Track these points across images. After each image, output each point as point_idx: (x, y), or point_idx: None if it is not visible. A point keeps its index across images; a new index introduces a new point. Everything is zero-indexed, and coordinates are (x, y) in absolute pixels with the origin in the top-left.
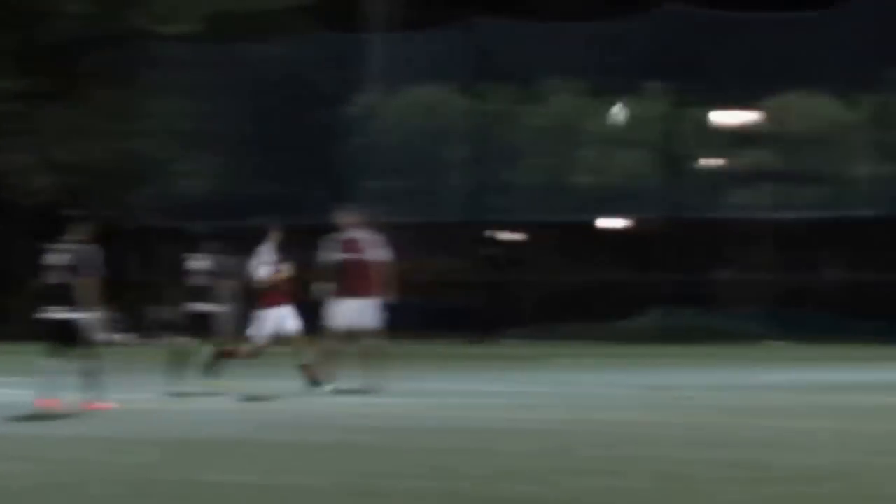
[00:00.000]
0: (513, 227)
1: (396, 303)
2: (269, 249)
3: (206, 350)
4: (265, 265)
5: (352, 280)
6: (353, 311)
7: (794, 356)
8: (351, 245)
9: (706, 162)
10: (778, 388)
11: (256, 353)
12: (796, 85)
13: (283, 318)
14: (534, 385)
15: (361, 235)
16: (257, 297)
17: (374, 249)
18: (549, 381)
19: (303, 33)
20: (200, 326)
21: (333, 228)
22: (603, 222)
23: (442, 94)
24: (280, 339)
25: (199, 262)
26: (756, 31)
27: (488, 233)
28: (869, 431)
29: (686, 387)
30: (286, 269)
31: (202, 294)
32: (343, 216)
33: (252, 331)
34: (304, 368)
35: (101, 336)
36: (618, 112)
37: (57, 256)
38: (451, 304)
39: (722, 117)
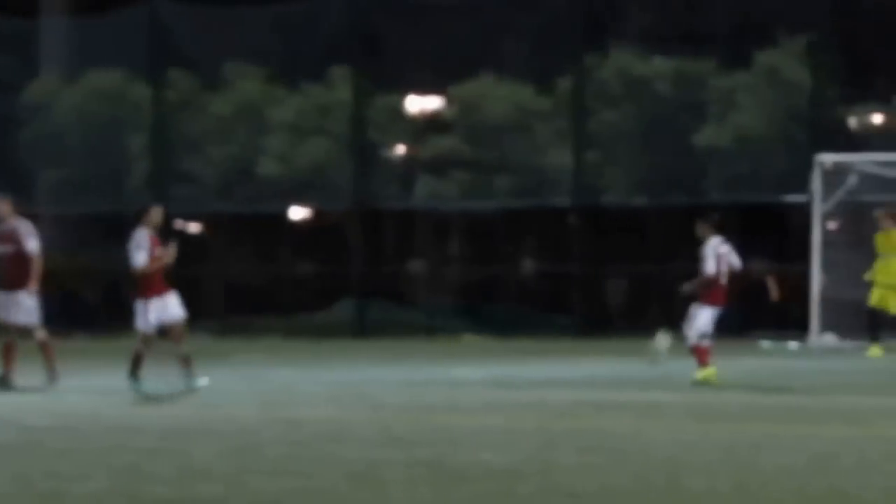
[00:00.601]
0: (196, 219)
1: (65, 297)
2: (145, 233)
3: None
4: (142, 250)
5: (5, 272)
6: (6, 305)
7: (487, 351)
8: (5, 236)
9: (396, 150)
10: (472, 384)
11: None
12: (487, 70)
13: (166, 306)
14: (221, 382)
15: (16, 225)
16: (137, 285)
17: (28, 240)
18: (236, 377)
19: None
20: None
21: None
22: (291, 213)
23: (121, 80)
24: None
25: None
26: (444, 15)
27: (171, 224)
28: (563, 428)
29: (377, 382)
30: (167, 254)
31: None
32: None
33: (139, 324)
34: (182, 360)
35: None
36: (661, 344)
37: None
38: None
39: (411, 104)
